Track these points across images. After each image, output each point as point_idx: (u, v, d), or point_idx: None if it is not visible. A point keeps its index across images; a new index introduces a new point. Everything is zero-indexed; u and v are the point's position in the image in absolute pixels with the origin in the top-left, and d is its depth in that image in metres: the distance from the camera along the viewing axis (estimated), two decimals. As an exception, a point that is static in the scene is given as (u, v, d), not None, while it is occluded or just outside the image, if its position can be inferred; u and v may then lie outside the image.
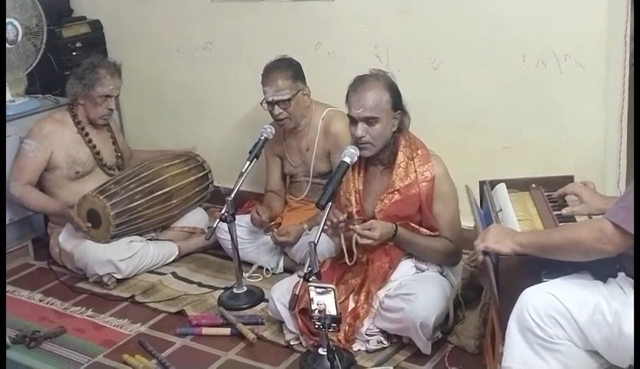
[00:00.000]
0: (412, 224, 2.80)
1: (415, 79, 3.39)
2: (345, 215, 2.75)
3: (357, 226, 2.71)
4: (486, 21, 3.25)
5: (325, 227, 2.71)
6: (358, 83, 2.76)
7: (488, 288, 2.59)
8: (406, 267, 2.85)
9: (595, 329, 1.98)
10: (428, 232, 2.81)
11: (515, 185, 2.68)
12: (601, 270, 2.06)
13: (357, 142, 2.76)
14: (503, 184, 2.66)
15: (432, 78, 3.42)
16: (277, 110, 3.31)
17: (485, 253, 2.22)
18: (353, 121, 2.75)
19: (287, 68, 3.32)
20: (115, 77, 3.57)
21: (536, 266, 2.13)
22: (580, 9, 3.04)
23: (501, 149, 3.36)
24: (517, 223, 2.38)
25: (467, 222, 2.99)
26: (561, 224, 2.31)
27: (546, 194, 2.58)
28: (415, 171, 2.79)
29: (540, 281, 2.10)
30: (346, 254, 2.77)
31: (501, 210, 2.50)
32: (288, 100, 3.29)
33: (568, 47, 3.09)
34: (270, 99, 3.31)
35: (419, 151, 2.81)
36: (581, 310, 1.99)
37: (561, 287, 2.04)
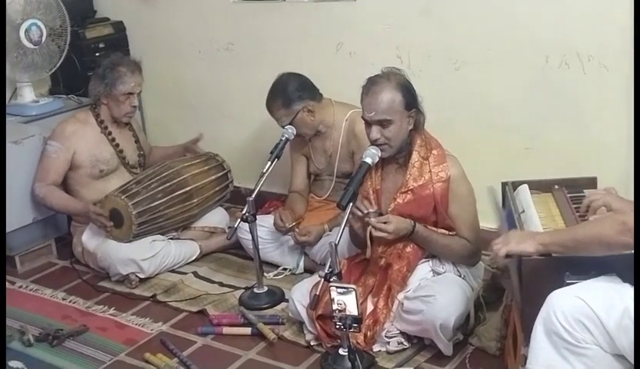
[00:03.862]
0: (429, 227, 2.78)
1: (436, 80, 3.39)
2: (376, 208, 2.75)
3: (372, 219, 2.70)
4: (508, 21, 3.23)
5: (351, 216, 2.71)
6: (369, 85, 2.73)
7: (510, 290, 2.58)
8: (423, 270, 2.84)
9: (623, 334, 1.95)
10: (446, 232, 2.79)
11: (537, 186, 2.67)
12: (625, 271, 2.03)
13: (373, 144, 2.75)
14: (525, 186, 2.65)
15: (454, 79, 3.41)
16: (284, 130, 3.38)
17: (508, 256, 2.21)
18: (367, 123, 2.75)
19: (277, 97, 3.34)
20: (135, 74, 3.58)
21: (560, 267, 2.11)
22: (604, 10, 3.02)
23: (523, 150, 3.34)
24: (540, 224, 2.37)
25: (487, 223, 2.98)
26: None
27: (569, 195, 2.56)
28: (430, 171, 2.76)
29: (563, 283, 2.08)
30: (369, 245, 2.75)
31: (523, 211, 2.49)
32: (289, 125, 3.33)
33: (591, 48, 3.07)
34: (279, 124, 3.40)
35: (434, 151, 2.78)
36: (610, 314, 1.96)
37: (589, 290, 2.01)
